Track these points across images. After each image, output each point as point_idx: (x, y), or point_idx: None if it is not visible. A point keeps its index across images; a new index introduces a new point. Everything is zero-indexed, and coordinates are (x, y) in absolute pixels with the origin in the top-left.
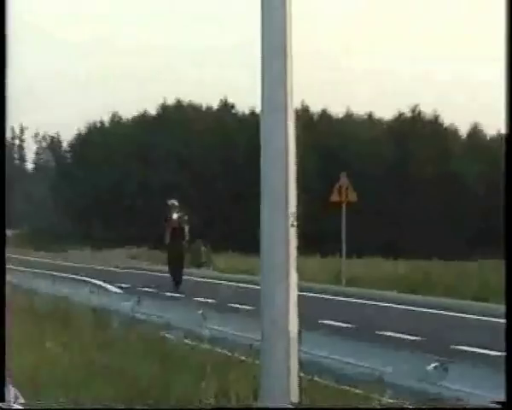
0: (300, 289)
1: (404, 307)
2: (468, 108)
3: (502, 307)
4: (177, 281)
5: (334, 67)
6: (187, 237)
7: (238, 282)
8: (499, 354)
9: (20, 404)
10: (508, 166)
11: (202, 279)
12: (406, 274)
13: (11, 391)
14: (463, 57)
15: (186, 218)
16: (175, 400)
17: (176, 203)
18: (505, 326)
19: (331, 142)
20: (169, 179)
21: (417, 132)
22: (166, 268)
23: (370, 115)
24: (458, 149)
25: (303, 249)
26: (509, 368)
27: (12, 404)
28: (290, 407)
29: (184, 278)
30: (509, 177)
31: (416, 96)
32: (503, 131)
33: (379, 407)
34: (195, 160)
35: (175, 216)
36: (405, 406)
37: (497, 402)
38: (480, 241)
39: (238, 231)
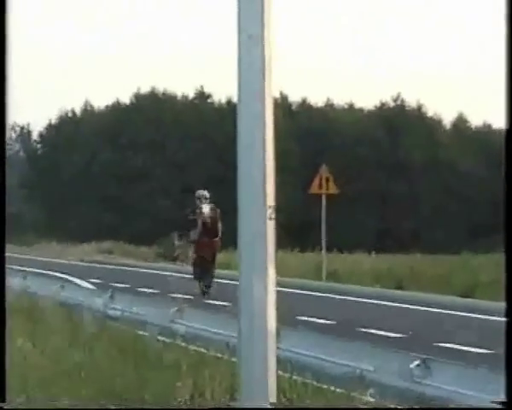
0: (279, 284)
1: (386, 302)
2: (453, 98)
3: (488, 303)
4: (205, 285)
5: (314, 56)
6: (220, 234)
7: (217, 277)
8: (485, 351)
9: (20, 404)
10: (508, 164)
11: (178, 274)
12: (390, 269)
13: None
14: (448, 48)
15: (219, 211)
16: (150, 399)
17: (207, 194)
18: (505, 326)
19: (312, 131)
20: (143, 168)
21: (401, 122)
22: (141, 263)
23: (352, 105)
24: (444, 139)
25: (283, 243)
26: (508, 368)
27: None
28: (269, 407)
29: (158, 273)
30: (509, 175)
31: (399, 86)
32: (489, 121)
33: (373, 407)
34: (170, 149)
35: (206, 209)
36: (409, 406)
37: (498, 402)
38: (470, 233)
39: None
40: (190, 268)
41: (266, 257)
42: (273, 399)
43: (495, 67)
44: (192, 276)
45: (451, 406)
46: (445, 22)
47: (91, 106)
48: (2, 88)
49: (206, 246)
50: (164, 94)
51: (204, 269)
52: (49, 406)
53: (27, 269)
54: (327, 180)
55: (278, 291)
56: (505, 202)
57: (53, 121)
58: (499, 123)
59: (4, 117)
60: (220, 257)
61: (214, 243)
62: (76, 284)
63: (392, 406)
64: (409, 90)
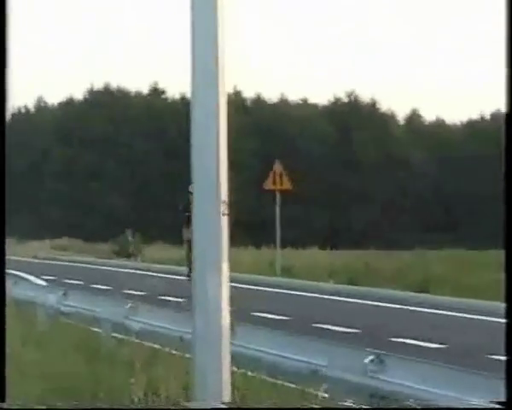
0: (234, 280)
1: (341, 298)
2: (406, 94)
3: (442, 299)
4: None
5: (267, 53)
6: None
7: (170, 273)
8: (438, 346)
9: (19, 404)
10: (508, 160)
11: (133, 271)
12: (344, 264)
13: None
14: (403, 42)
15: None
16: (104, 396)
17: None
18: (505, 326)
19: (266, 127)
20: (97, 165)
21: (355, 117)
22: (95, 260)
23: (305, 100)
24: (398, 135)
25: (237, 240)
26: (509, 368)
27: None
28: (223, 406)
29: (113, 270)
30: (508, 173)
31: (353, 81)
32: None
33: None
34: (124, 145)
35: None
36: (408, 406)
37: (498, 402)
38: (422, 229)
39: (171, 219)
40: (142, 264)
41: (220, 253)
42: (227, 394)
43: (448, 62)
44: (187, 277)
45: (451, 406)
46: (396, 17)
47: (45, 102)
48: (3, 88)
49: None
50: (118, 90)
51: None
52: (49, 406)
53: None
54: (280, 176)
55: (232, 287)
56: (505, 201)
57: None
58: (452, 118)
59: (4, 116)
60: (175, 253)
61: None
62: (29, 280)
63: (393, 406)
64: (362, 85)
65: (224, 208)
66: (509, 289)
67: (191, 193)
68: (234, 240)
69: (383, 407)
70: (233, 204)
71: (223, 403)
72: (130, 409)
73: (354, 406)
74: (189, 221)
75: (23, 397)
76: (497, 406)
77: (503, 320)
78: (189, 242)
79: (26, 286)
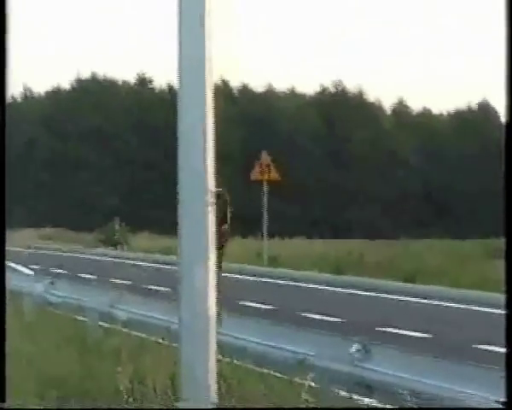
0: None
1: (327, 287)
2: (393, 84)
3: (429, 288)
4: None
5: (254, 43)
6: (228, 221)
7: (157, 263)
8: (425, 335)
9: (19, 404)
10: (508, 160)
11: (119, 260)
12: (330, 254)
13: None
14: (389, 32)
15: (227, 197)
16: (91, 387)
17: None
18: (505, 323)
19: (253, 117)
20: (84, 154)
21: (342, 107)
22: (82, 249)
23: (293, 90)
24: (385, 125)
25: None
26: (509, 368)
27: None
28: (212, 407)
29: (99, 259)
30: (509, 172)
31: (340, 71)
32: (430, 106)
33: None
34: (111, 134)
35: None
36: (408, 406)
37: (498, 402)
38: (408, 220)
39: (158, 208)
40: (129, 254)
41: (207, 243)
42: (213, 384)
43: (434, 52)
44: None
45: (451, 406)
46: (382, 7)
47: (31, 92)
48: (3, 87)
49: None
50: (105, 80)
51: None
52: (49, 406)
53: None
54: (268, 167)
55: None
56: (505, 201)
57: None
58: (439, 108)
59: (4, 115)
60: (161, 243)
61: (222, 231)
62: (16, 269)
63: (392, 406)
64: (349, 75)
65: (210, 198)
66: (510, 280)
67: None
68: None
69: (386, 407)
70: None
71: (211, 403)
72: (126, 409)
73: (357, 406)
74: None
75: (23, 397)
76: (498, 406)
77: (485, 309)
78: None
79: (13, 276)
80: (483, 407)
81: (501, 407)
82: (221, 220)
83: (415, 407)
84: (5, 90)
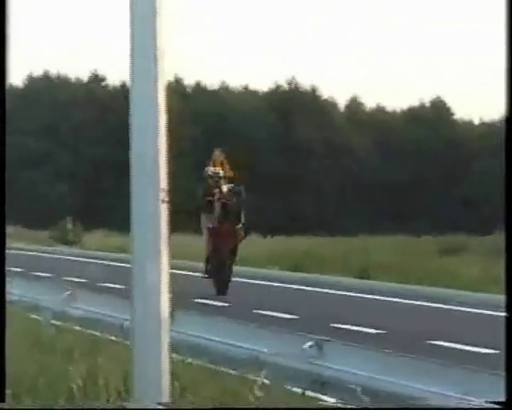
0: (175, 267)
1: (282, 284)
2: (347, 81)
3: (386, 285)
4: (222, 281)
5: (207, 40)
6: (243, 220)
7: (112, 260)
8: (378, 331)
9: (19, 404)
10: (508, 159)
11: (74, 258)
12: (286, 251)
13: None
14: (342, 30)
15: (243, 192)
16: (43, 382)
17: (221, 173)
18: (505, 323)
19: (207, 114)
20: (37, 152)
21: (296, 104)
22: (36, 247)
23: (246, 87)
24: (339, 122)
25: (178, 227)
26: (509, 368)
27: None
28: (160, 407)
29: (54, 257)
30: (509, 172)
31: (293, 68)
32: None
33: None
34: (65, 132)
35: (225, 188)
36: (406, 406)
37: (497, 402)
38: (366, 217)
39: (114, 206)
40: (84, 251)
41: (160, 240)
42: (166, 383)
43: (387, 49)
44: (205, 274)
45: (451, 406)
46: (335, 4)
47: None
48: (3, 85)
49: (226, 235)
50: (58, 78)
51: (220, 263)
52: (49, 406)
53: None
54: (221, 164)
55: (174, 274)
56: (505, 201)
57: None
58: (392, 105)
59: (4, 114)
60: (118, 241)
61: (236, 231)
62: None
63: (392, 406)
64: (303, 72)
65: (163, 196)
66: (510, 280)
67: (211, 176)
68: (174, 227)
69: (383, 407)
70: (173, 191)
71: (159, 403)
72: (75, 409)
73: (353, 406)
74: (210, 207)
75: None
76: (497, 406)
77: (442, 305)
78: (211, 229)
79: None
80: (483, 407)
81: (500, 407)
82: (235, 219)
83: (415, 407)
84: (5, 90)
